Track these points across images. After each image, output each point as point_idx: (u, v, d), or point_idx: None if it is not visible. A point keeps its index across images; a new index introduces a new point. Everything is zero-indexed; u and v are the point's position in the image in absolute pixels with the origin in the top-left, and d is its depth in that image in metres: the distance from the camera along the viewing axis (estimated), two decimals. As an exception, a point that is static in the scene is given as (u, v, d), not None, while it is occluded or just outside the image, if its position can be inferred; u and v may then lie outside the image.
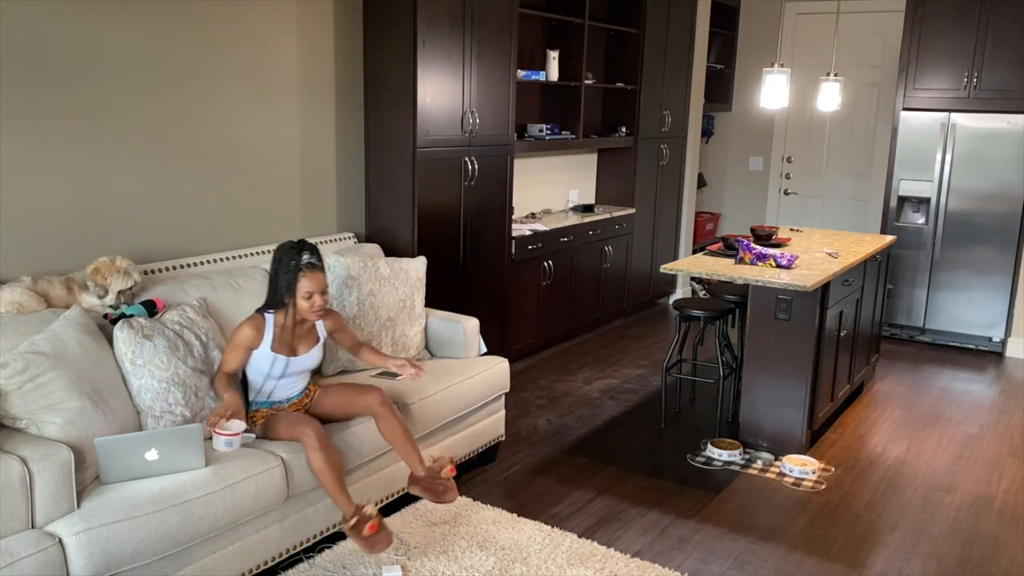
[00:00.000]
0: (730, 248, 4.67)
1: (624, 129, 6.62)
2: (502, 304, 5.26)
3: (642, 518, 3.64)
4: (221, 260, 3.81)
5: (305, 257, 3.05)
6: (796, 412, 4.24)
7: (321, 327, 3.27)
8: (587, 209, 6.38)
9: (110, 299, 3.12)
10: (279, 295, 3.08)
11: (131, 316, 3.03)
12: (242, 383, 3.18)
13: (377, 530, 2.99)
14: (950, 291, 6.31)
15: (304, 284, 3.04)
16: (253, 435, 3.10)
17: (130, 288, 3.17)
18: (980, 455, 4.41)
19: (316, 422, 3.05)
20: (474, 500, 3.72)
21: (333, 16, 4.37)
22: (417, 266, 4.04)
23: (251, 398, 3.18)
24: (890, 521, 3.68)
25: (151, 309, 3.11)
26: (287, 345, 3.14)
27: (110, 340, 2.96)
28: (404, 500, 3.67)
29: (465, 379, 3.80)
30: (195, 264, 3.70)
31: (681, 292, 7.55)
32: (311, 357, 3.23)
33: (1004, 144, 5.98)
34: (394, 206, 4.59)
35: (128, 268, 3.17)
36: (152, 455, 2.68)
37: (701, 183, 8.46)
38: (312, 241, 4.23)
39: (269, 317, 3.10)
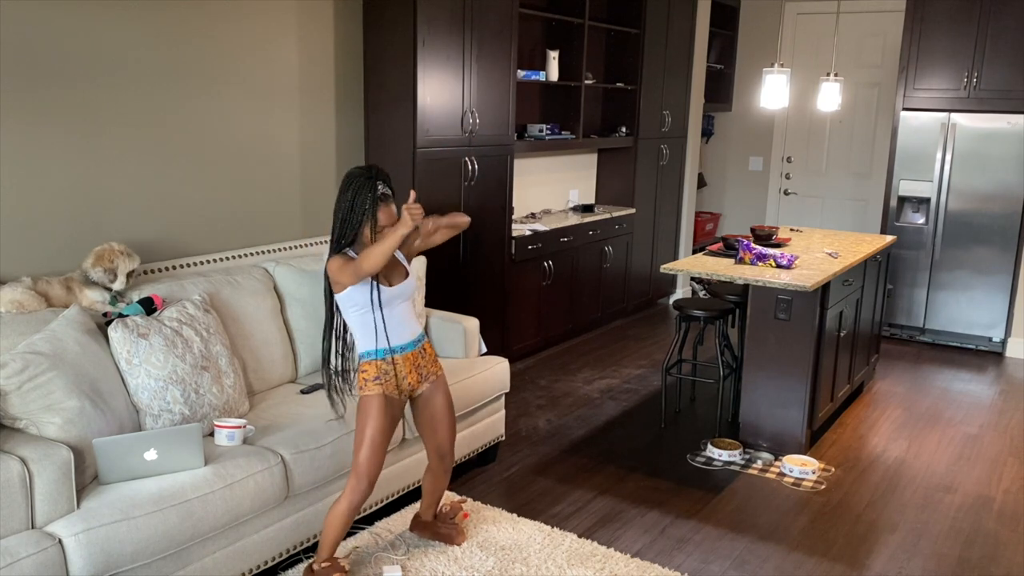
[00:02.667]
0: (730, 248, 4.67)
1: (624, 129, 6.62)
2: (502, 304, 5.26)
3: (642, 518, 3.64)
4: (221, 260, 3.81)
5: (380, 188, 2.87)
6: (796, 412, 4.23)
7: (401, 257, 3.06)
8: (587, 209, 6.38)
9: (120, 283, 3.13)
10: (354, 229, 2.88)
11: (127, 316, 3.03)
12: (343, 350, 3.04)
13: None
14: (950, 291, 6.31)
15: (380, 218, 2.87)
16: (253, 429, 3.10)
17: (134, 269, 3.19)
18: (980, 455, 4.41)
19: (376, 475, 2.94)
20: (474, 500, 3.72)
21: (333, 16, 4.37)
22: (417, 266, 4.04)
23: (362, 350, 2.96)
24: (890, 521, 3.68)
25: (149, 306, 3.11)
26: (383, 277, 2.96)
27: (109, 339, 2.96)
28: (404, 500, 3.67)
29: (465, 379, 3.79)
30: (195, 264, 3.69)
31: (681, 292, 7.55)
32: (406, 285, 3.01)
33: (1004, 144, 5.98)
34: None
35: (127, 250, 3.20)
36: (151, 455, 2.68)
37: (701, 183, 8.45)
38: (312, 241, 4.26)
39: (352, 253, 2.92)
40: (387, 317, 2.95)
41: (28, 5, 3.11)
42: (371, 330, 2.94)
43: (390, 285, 2.96)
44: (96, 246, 3.35)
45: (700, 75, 7.32)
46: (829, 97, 5.36)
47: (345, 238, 2.90)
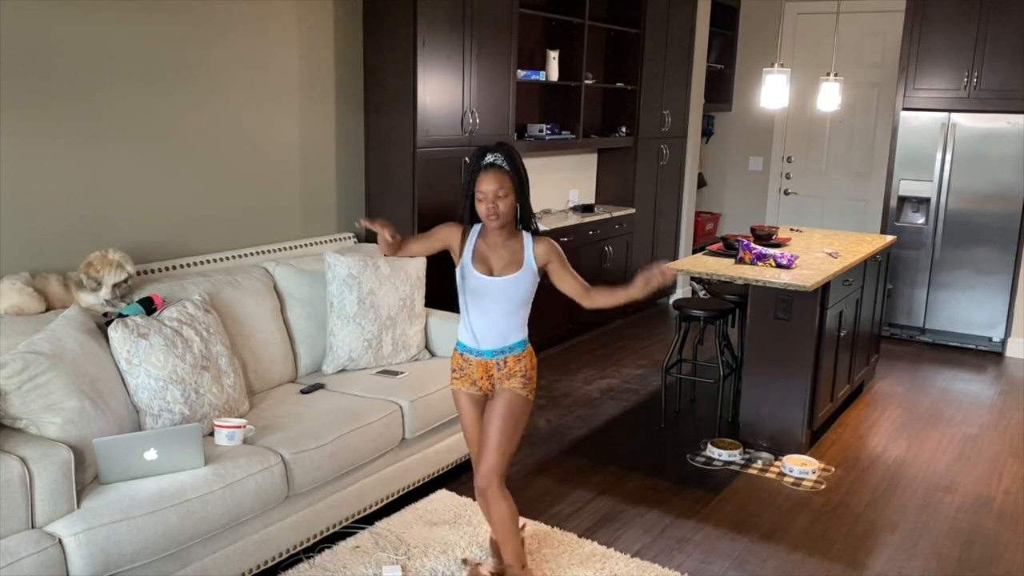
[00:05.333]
0: (730, 248, 4.67)
1: (624, 129, 6.62)
2: (502, 304, 5.25)
3: (642, 518, 3.64)
4: (221, 259, 3.81)
5: (488, 157, 2.72)
6: (796, 412, 4.23)
7: (530, 252, 2.80)
8: (587, 209, 6.38)
9: (104, 293, 3.10)
10: (464, 201, 2.77)
11: (127, 316, 3.03)
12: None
13: None
14: (950, 291, 6.31)
15: (479, 183, 2.71)
16: (253, 429, 3.09)
17: (124, 281, 3.14)
18: (980, 455, 4.41)
19: (478, 463, 2.88)
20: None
21: (333, 16, 4.37)
22: (417, 265, 4.04)
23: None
24: (890, 521, 3.68)
25: (149, 306, 3.10)
26: (486, 263, 2.79)
27: (109, 339, 2.96)
28: (403, 500, 3.67)
29: (465, 379, 3.79)
30: (195, 263, 3.70)
31: (681, 292, 7.55)
32: (509, 281, 2.79)
33: (1004, 144, 5.98)
34: (394, 206, 4.58)
35: (121, 260, 3.15)
36: (151, 455, 2.68)
37: (701, 183, 8.45)
38: (312, 241, 4.26)
39: (475, 227, 2.80)
40: (472, 309, 2.83)
41: (28, 6, 3.11)
42: (462, 315, 2.89)
43: (489, 273, 2.79)
44: (96, 247, 3.35)
45: (700, 75, 7.32)
46: (829, 97, 5.36)
47: (462, 213, 2.81)
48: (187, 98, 3.70)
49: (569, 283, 2.89)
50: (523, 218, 2.81)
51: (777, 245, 4.92)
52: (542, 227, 5.57)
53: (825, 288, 4.17)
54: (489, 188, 2.70)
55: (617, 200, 6.79)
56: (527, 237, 2.82)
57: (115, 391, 2.85)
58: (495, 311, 2.84)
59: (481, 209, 2.74)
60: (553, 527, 3.49)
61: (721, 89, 8.13)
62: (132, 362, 2.91)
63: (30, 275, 3.04)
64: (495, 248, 2.81)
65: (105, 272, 3.11)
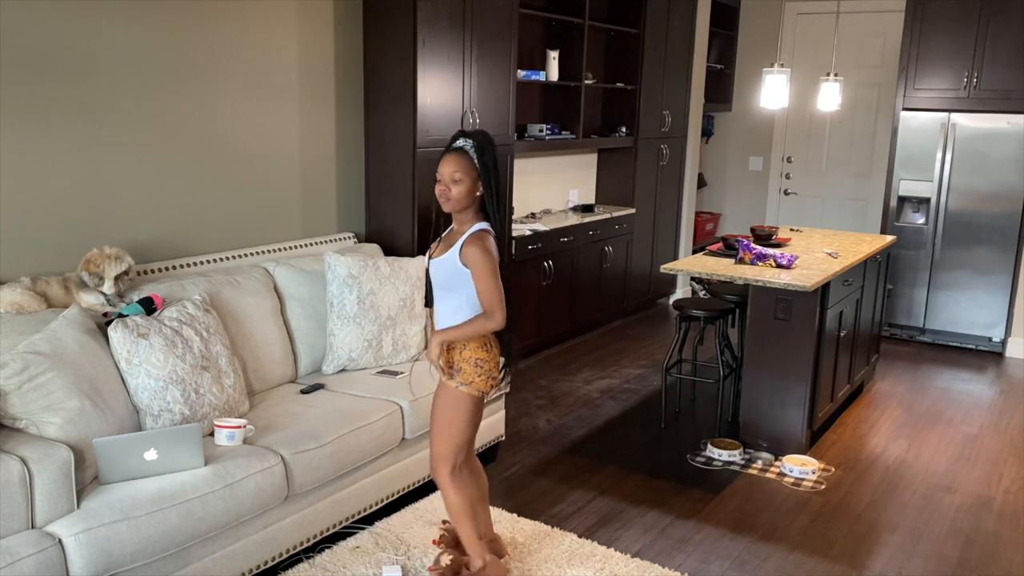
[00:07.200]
0: (730, 248, 4.67)
1: (624, 129, 6.62)
2: (502, 304, 5.25)
3: (642, 518, 3.64)
4: (221, 260, 3.81)
5: (458, 142, 2.78)
6: (796, 412, 4.23)
7: (460, 243, 2.76)
8: (587, 209, 6.38)
9: (108, 286, 3.11)
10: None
11: (127, 316, 3.02)
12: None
13: None
14: (950, 291, 6.31)
15: (441, 164, 2.77)
16: (253, 429, 3.09)
17: (125, 272, 3.15)
18: (980, 455, 4.41)
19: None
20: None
21: (333, 16, 4.37)
22: (417, 266, 4.04)
23: None
24: (890, 521, 3.68)
25: (149, 306, 3.10)
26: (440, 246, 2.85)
27: (109, 339, 2.96)
28: (404, 500, 3.67)
29: (465, 379, 3.79)
30: (195, 264, 3.70)
31: (681, 292, 7.55)
32: (435, 263, 2.81)
33: (1004, 144, 5.98)
34: (394, 206, 4.58)
35: (119, 253, 3.16)
36: (151, 455, 2.68)
37: (701, 183, 8.45)
38: (312, 241, 4.26)
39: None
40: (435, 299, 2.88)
41: (28, 5, 3.10)
42: None
43: (431, 256, 2.86)
44: (94, 247, 3.35)
45: (700, 75, 7.32)
46: (829, 97, 5.36)
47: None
48: (187, 98, 3.70)
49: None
50: (484, 209, 2.83)
51: (777, 245, 4.92)
52: (542, 227, 5.57)
53: (825, 288, 4.17)
54: (446, 170, 2.77)
55: (617, 200, 6.79)
56: (472, 229, 2.78)
57: (115, 391, 2.85)
58: (436, 294, 2.87)
59: (436, 190, 2.81)
60: (553, 527, 3.49)
61: (721, 89, 8.13)
62: (132, 362, 2.91)
63: (31, 280, 3.04)
64: (450, 234, 2.89)
65: (106, 265, 3.11)
